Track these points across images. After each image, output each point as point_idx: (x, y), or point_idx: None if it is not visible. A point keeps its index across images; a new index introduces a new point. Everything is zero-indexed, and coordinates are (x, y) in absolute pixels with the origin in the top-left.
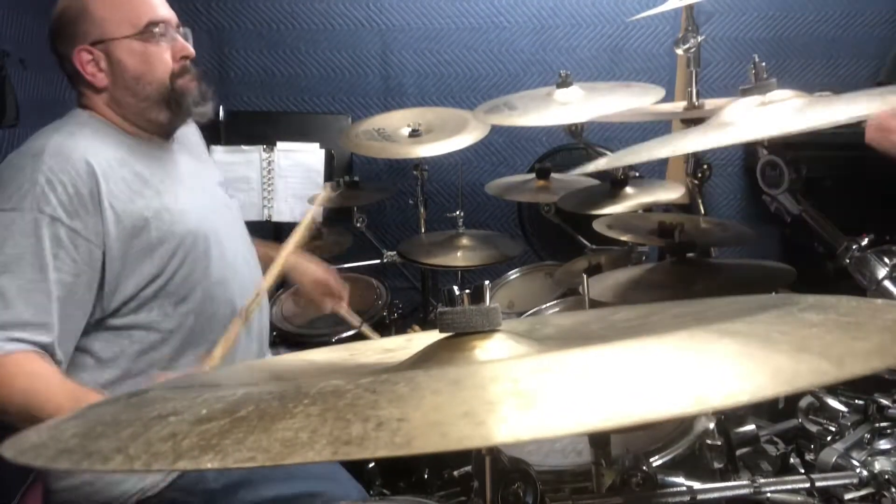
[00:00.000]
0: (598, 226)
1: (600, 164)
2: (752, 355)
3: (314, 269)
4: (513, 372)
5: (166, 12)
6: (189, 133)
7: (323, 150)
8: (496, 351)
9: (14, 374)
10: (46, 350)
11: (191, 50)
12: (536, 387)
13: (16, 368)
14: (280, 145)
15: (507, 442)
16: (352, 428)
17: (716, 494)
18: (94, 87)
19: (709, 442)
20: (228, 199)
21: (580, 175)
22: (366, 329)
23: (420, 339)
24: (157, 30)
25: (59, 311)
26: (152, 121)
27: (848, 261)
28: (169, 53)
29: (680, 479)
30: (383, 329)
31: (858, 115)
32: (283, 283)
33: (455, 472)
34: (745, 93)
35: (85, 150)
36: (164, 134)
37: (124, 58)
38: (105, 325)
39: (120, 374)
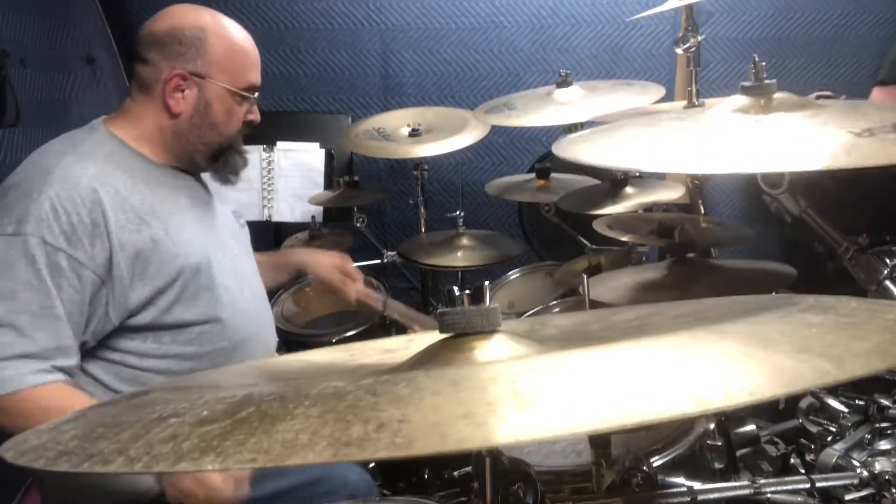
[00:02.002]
0: (598, 226)
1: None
2: (753, 355)
3: (328, 256)
4: (512, 373)
5: (261, 80)
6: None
7: (323, 150)
8: (496, 351)
9: (47, 405)
10: (70, 374)
11: (258, 118)
12: (536, 388)
13: (49, 399)
14: (280, 145)
15: (507, 443)
16: (352, 429)
17: (716, 495)
18: (166, 107)
19: (709, 442)
20: (239, 228)
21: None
22: (390, 306)
23: (420, 340)
24: (250, 93)
25: (71, 335)
26: (194, 161)
27: (848, 261)
28: (242, 114)
29: (680, 480)
30: (383, 330)
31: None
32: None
33: (455, 473)
34: (746, 91)
35: (95, 176)
36: (192, 172)
37: (214, 102)
38: (97, 353)
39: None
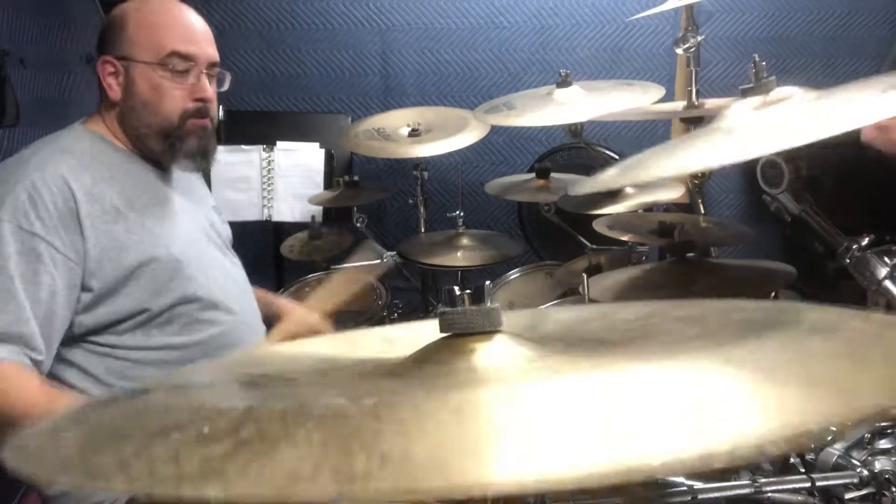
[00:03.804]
0: (598, 226)
1: (607, 176)
2: (762, 395)
3: (303, 314)
4: (513, 409)
5: (195, 49)
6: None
7: (323, 150)
8: (496, 352)
9: None
10: (30, 360)
11: (207, 92)
12: (531, 432)
13: None
14: (280, 145)
15: (510, 488)
16: (355, 461)
17: (716, 494)
18: (107, 97)
19: None
20: (220, 222)
21: (588, 189)
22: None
23: (422, 331)
24: (177, 63)
25: (39, 325)
26: (147, 148)
27: (848, 261)
28: (184, 91)
29: (680, 479)
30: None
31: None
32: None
33: None
34: (746, 93)
35: (70, 167)
36: (156, 164)
37: (139, 82)
38: (83, 345)
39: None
